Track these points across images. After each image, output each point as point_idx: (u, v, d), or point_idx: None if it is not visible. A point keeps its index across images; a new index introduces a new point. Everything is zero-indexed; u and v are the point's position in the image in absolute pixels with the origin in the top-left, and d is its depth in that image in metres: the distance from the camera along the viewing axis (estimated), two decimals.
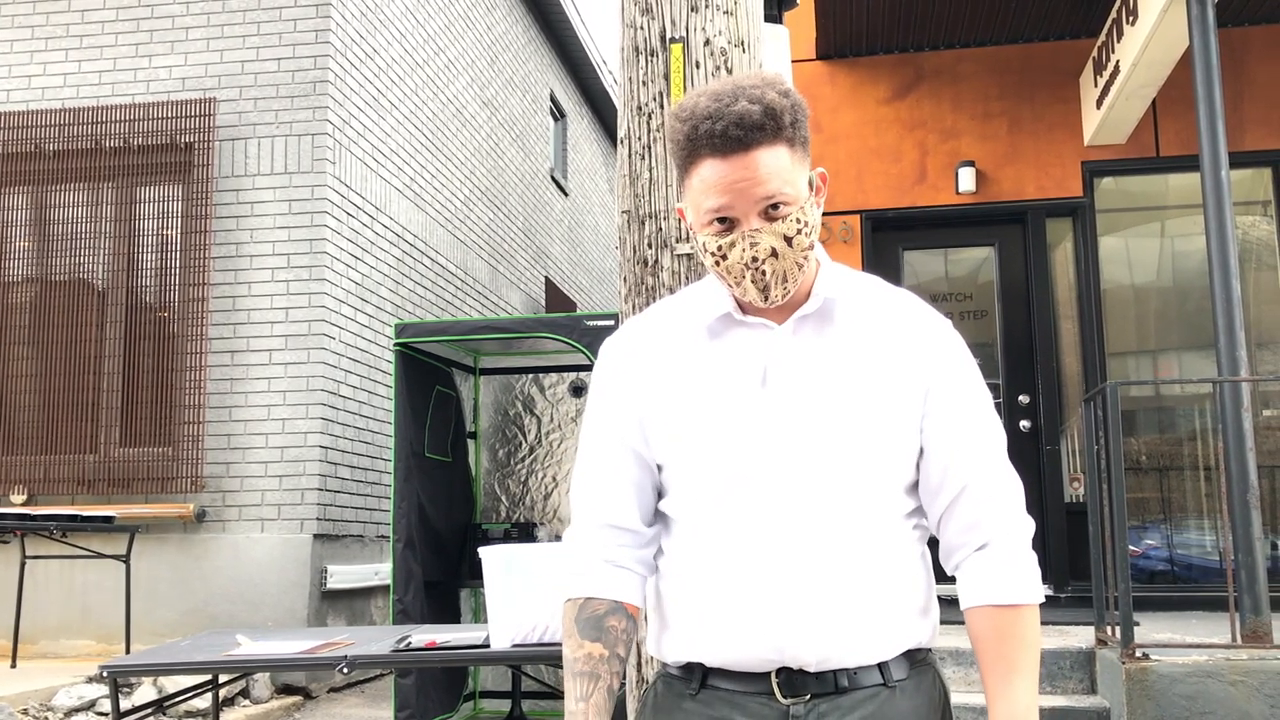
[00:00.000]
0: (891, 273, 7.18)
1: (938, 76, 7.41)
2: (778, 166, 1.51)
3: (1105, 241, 7.19)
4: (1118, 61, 6.33)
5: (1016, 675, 1.55)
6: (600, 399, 1.70)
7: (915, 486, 1.62)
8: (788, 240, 1.52)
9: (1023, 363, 7.12)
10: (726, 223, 1.53)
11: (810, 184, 1.58)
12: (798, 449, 1.55)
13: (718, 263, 1.56)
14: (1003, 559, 1.59)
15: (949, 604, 1.69)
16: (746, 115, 1.49)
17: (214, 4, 7.80)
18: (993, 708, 1.55)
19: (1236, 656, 4.46)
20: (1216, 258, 5.04)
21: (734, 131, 1.49)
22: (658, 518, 1.68)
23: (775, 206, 1.51)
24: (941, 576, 1.69)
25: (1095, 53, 6.85)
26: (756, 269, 1.53)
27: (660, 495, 1.67)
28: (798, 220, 1.53)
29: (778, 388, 1.57)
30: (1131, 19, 6.04)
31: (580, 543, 1.67)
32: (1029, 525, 1.63)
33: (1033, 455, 6.89)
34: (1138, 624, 4.78)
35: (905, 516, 1.60)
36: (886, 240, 7.35)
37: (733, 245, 1.53)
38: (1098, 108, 6.80)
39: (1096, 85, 6.81)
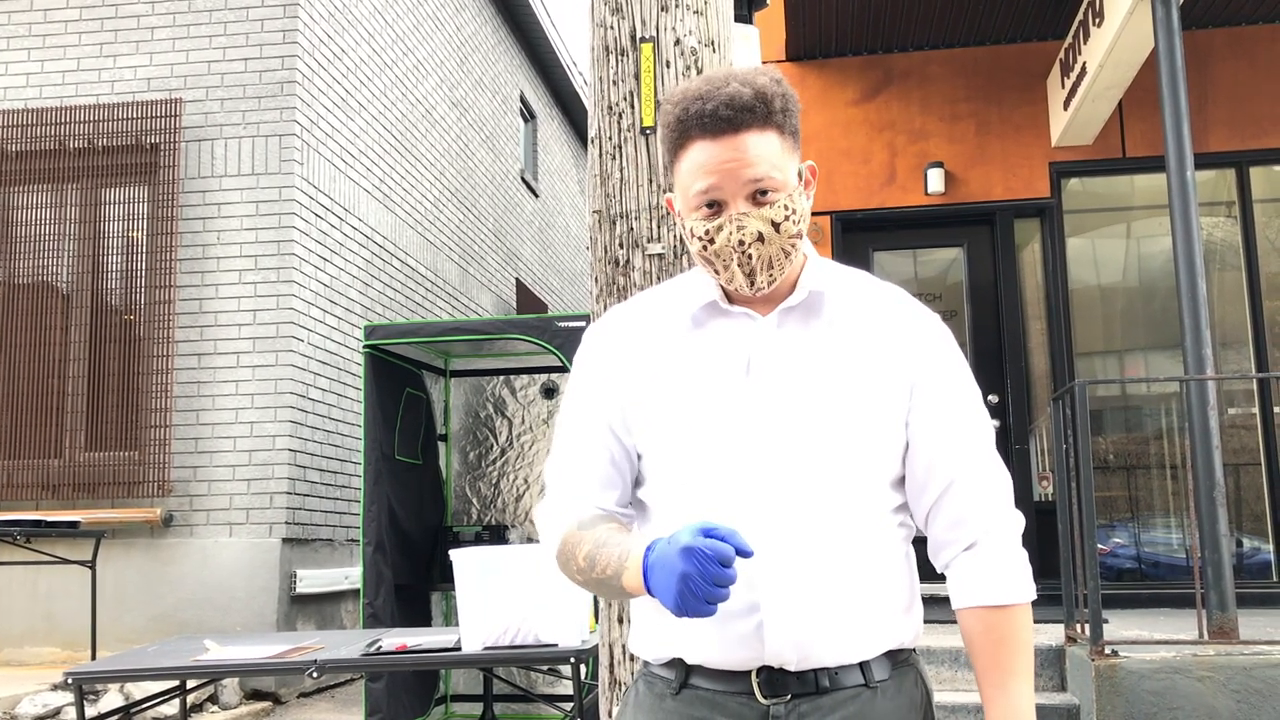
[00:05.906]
0: None
1: (906, 78, 7.45)
2: (767, 150, 1.52)
3: (1072, 242, 7.25)
4: (1084, 63, 6.39)
5: (1012, 678, 1.55)
6: (581, 382, 1.69)
7: (901, 482, 1.61)
8: (775, 226, 1.53)
9: (991, 363, 7.17)
10: (715, 206, 1.54)
11: (800, 175, 1.59)
12: (780, 439, 1.54)
13: (705, 247, 1.56)
14: (993, 558, 1.58)
15: (932, 602, 1.68)
16: (737, 96, 1.50)
17: (180, 4, 7.71)
18: (989, 711, 1.55)
19: (1204, 653, 4.50)
20: (1182, 258, 5.09)
21: (724, 112, 1.50)
22: (634, 506, 1.67)
23: (764, 192, 1.52)
24: (928, 574, 1.68)
25: (1062, 54, 6.90)
26: (743, 253, 1.53)
27: (639, 484, 1.66)
28: (785, 207, 1.53)
29: (761, 378, 1.57)
30: (1098, 21, 6.09)
31: (555, 510, 1.66)
32: (1018, 520, 1.62)
33: (1002, 455, 6.91)
34: (1106, 621, 4.81)
35: (890, 513, 1.59)
36: (856, 241, 7.38)
37: (720, 229, 1.53)
38: (1065, 109, 6.85)
39: (1063, 87, 6.86)
